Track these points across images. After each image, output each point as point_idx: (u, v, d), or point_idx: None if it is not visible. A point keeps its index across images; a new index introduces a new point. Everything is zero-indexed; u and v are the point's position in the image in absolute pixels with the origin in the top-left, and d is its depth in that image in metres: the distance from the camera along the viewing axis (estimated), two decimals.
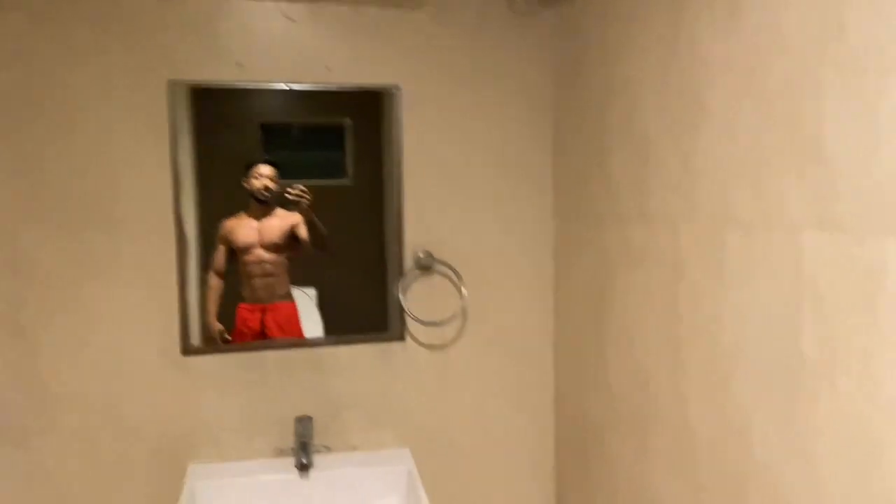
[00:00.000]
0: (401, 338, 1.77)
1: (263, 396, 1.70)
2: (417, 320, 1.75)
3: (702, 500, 1.21)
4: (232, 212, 1.65)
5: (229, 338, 1.67)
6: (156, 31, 1.57)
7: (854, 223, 0.86)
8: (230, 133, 1.65)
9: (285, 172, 1.65)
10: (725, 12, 1.09)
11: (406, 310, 1.75)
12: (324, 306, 1.72)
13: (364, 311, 1.78)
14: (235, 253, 1.66)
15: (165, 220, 1.60)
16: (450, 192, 1.77)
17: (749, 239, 1.06)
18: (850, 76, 0.86)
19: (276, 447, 1.71)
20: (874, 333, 0.83)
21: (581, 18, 1.65)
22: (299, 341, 1.71)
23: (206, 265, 1.65)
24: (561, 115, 1.78)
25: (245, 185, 1.63)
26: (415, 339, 1.78)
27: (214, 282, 1.66)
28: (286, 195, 1.64)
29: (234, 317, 1.67)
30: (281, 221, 1.66)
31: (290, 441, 1.70)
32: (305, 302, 1.71)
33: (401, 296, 1.74)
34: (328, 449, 1.73)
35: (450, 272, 1.78)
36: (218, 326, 1.66)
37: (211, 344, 1.66)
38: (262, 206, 1.65)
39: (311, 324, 1.72)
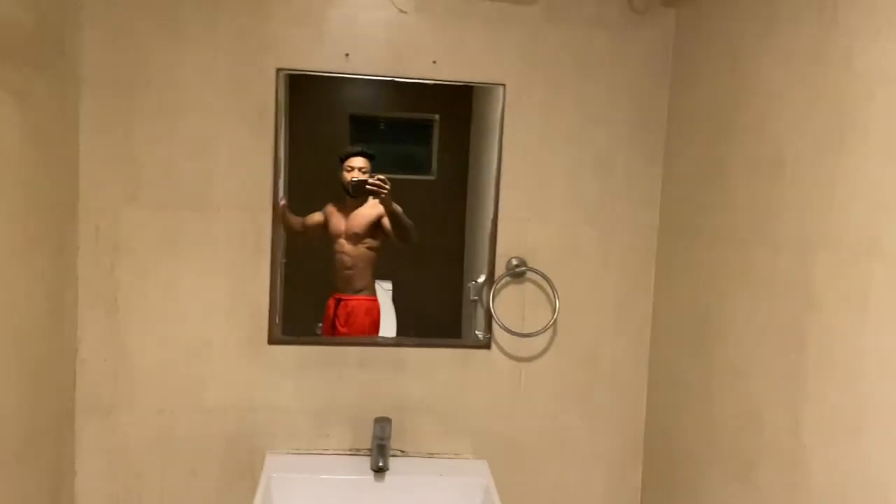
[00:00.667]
0: (486, 346, 1.71)
1: (342, 392, 1.67)
2: (508, 331, 1.68)
3: None
4: (318, 201, 1.64)
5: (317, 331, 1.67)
6: (264, 19, 1.56)
7: None
8: (321, 122, 1.64)
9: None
10: (886, 22, 0.97)
11: (495, 318, 1.68)
12: (396, 300, 1.69)
13: (436, 311, 1.74)
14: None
15: (263, 208, 1.60)
16: (547, 198, 1.69)
17: None
18: None
19: (352, 445, 1.68)
20: None
21: (706, 19, 1.53)
22: (381, 340, 1.68)
23: (290, 254, 1.64)
24: (675, 123, 1.66)
25: (340, 177, 1.62)
26: (500, 349, 1.71)
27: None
28: (366, 186, 1.60)
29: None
30: (368, 212, 1.64)
31: (365, 440, 1.67)
32: (381, 295, 1.69)
33: (492, 303, 1.67)
34: (403, 453, 1.69)
35: (543, 282, 1.70)
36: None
37: (297, 334, 1.65)
38: (352, 197, 1.63)
39: (386, 317, 1.69)
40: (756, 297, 1.29)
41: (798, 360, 1.16)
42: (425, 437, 1.71)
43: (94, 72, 1.51)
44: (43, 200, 1.38)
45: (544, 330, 1.69)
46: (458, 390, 1.71)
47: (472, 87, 1.65)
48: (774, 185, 1.24)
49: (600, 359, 1.75)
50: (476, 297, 1.70)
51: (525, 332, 1.69)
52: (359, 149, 1.62)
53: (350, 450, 1.68)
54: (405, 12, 1.60)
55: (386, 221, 1.64)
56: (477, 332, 1.71)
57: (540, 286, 1.71)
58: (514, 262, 1.68)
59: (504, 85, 1.64)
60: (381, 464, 1.56)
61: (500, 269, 1.69)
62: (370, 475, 1.59)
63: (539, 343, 1.72)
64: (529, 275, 1.70)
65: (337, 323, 1.67)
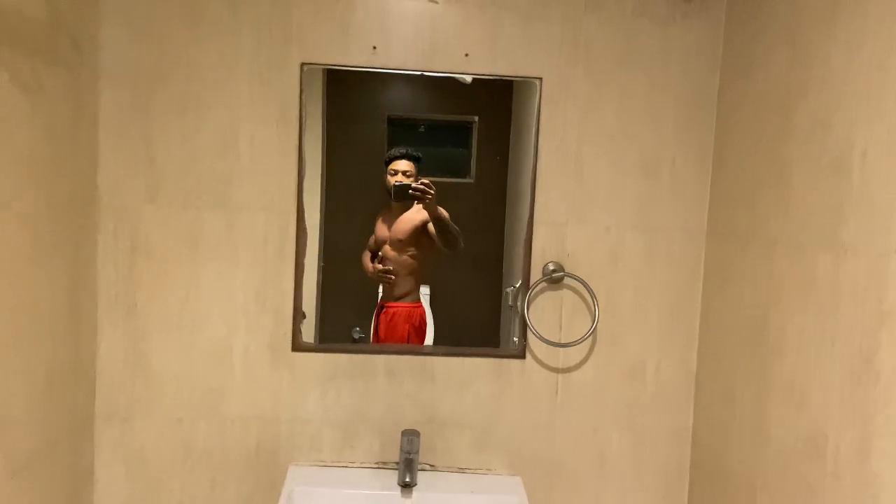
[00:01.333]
0: (521, 356, 1.61)
1: (369, 402, 1.60)
2: (544, 340, 1.58)
3: None
4: (356, 205, 1.60)
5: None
6: (288, 10, 1.49)
7: None
8: (358, 124, 1.59)
9: None
10: None
11: (530, 327, 1.58)
12: (434, 306, 1.63)
13: (474, 317, 1.68)
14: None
15: (287, 210, 1.54)
16: (588, 199, 1.59)
17: None
18: None
19: (378, 458, 1.60)
20: None
21: (761, 5, 1.41)
22: (411, 348, 1.61)
23: (328, 258, 1.58)
24: (726, 120, 1.54)
25: (384, 181, 1.58)
26: (535, 359, 1.62)
27: (366, 259, 1.62)
28: (409, 191, 1.52)
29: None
30: (412, 217, 1.58)
31: (392, 453, 1.60)
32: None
33: (526, 311, 1.58)
34: (432, 467, 1.61)
35: (582, 288, 1.59)
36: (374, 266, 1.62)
37: (335, 341, 1.60)
38: (396, 202, 1.58)
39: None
40: (819, 308, 1.17)
41: (868, 379, 1.04)
42: (456, 451, 1.63)
43: (113, 67, 1.47)
44: (60, 200, 1.33)
45: (583, 339, 1.59)
46: (491, 401, 1.62)
47: (511, 87, 1.58)
48: (842, 185, 1.12)
49: (643, 372, 1.64)
50: (513, 304, 1.61)
51: (562, 341, 1.59)
52: (403, 150, 1.56)
53: (376, 463, 1.61)
54: (436, 2, 1.52)
55: (431, 227, 1.57)
56: (514, 338, 1.62)
57: (578, 293, 1.61)
58: (551, 266, 1.58)
59: (540, 79, 1.55)
60: (408, 479, 1.49)
61: (535, 274, 1.59)
62: (397, 490, 1.51)
63: (577, 353, 1.62)
64: (567, 281, 1.60)
65: (379, 330, 1.61)
